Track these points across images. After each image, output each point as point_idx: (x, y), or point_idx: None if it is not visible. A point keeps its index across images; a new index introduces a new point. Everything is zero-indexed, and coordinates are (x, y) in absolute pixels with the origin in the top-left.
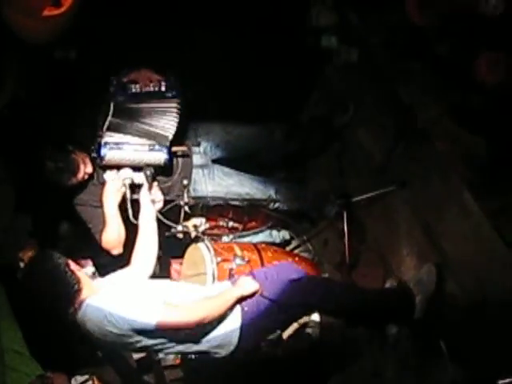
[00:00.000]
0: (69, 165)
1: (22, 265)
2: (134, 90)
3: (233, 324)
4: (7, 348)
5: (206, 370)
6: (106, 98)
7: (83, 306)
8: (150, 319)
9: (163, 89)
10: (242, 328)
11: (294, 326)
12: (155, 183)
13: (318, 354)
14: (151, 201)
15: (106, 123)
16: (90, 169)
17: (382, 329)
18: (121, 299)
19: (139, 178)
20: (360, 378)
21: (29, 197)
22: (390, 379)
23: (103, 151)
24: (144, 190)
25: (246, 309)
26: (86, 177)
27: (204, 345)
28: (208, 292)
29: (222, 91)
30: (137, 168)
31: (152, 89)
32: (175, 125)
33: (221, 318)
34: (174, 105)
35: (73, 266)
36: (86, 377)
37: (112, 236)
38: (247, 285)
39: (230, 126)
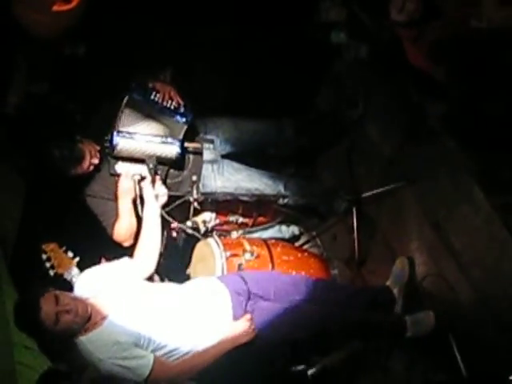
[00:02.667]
0: (74, 153)
1: (44, 257)
2: (153, 97)
3: None
4: (16, 343)
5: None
6: (121, 94)
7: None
8: (142, 376)
9: (179, 112)
10: None
11: None
12: (158, 177)
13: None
14: (155, 195)
15: (120, 114)
16: (96, 160)
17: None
18: (112, 350)
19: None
20: (369, 375)
21: (40, 187)
22: (398, 374)
23: (116, 139)
24: (147, 184)
25: None
26: (92, 167)
27: None
28: (200, 294)
29: (232, 86)
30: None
31: (169, 106)
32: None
33: None
34: (183, 129)
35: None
36: None
37: (125, 229)
38: (242, 333)
39: (240, 122)
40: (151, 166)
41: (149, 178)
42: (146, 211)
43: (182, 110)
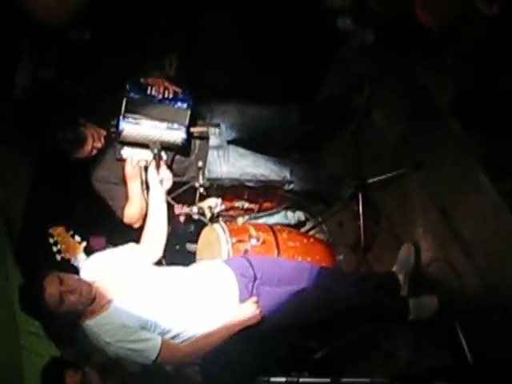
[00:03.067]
0: (76, 137)
1: (51, 241)
2: (149, 92)
3: None
4: (23, 329)
5: (222, 350)
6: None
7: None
8: (149, 358)
9: (179, 99)
10: None
11: None
12: (162, 161)
13: (332, 335)
14: (159, 180)
15: (123, 108)
16: (99, 144)
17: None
18: (119, 334)
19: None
20: (373, 358)
21: (47, 170)
22: (402, 360)
23: (122, 125)
24: (151, 170)
25: None
26: (95, 151)
27: None
28: (206, 276)
29: (238, 72)
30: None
31: (167, 96)
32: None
33: None
34: (187, 114)
35: None
36: None
37: (135, 212)
38: (249, 316)
39: (246, 107)
40: (155, 151)
41: (153, 164)
42: (151, 197)
43: (180, 96)
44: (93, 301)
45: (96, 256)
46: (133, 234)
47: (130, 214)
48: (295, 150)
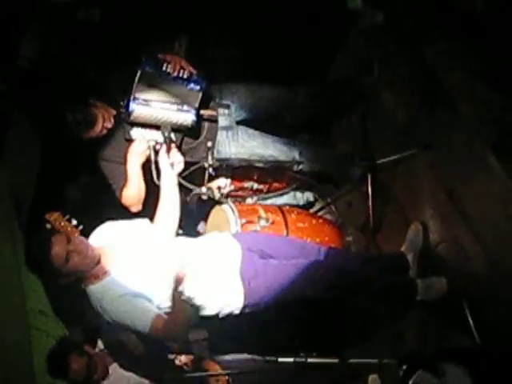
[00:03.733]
0: (87, 117)
1: (48, 226)
2: (164, 69)
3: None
4: (31, 308)
5: (230, 330)
6: (135, 64)
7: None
8: (144, 328)
9: (193, 80)
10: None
11: None
12: (173, 144)
13: (341, 315)
14: (170, 163)
15: (135, 85)
16: (109, 124)
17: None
18: (119, 300)
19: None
20: (381, 339)
21: (54, 151)
22: (411, 342)
23: (131, 106)
24: (162, 152)
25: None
26: (105, 131)
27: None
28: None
29: (247, 53)
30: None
31: (182, 75)
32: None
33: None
34: (198, 97)
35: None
36: None
37: (132, 194)
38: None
39: (255, 88)
40: (166, 134)
41: (164, 147)
42: (163, 180)
43: (195, 77)
44: (96, 265)
45: (107, 224)
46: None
47: (128, 195)
48: (304, 130)
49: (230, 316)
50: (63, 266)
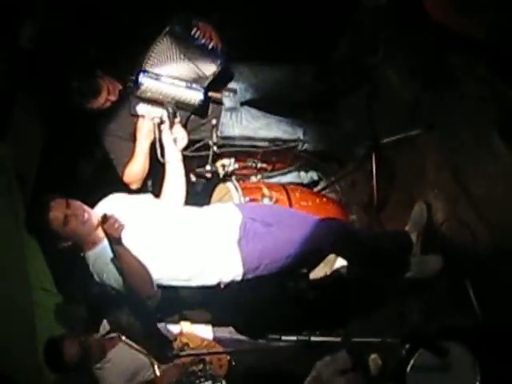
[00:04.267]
0: (91, 87)
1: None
2: (193, 33)
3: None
4: (35, 285)
5: (231, 309)
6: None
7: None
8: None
9: (215, 53)
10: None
11: (322, 269)
12: (177, 120)
13: (344, 295)
14: (173, 138)
15: (150, 51)
16: (113, 97)
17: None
18: (110, 266)
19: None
20: (385, 319)
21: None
22: (414, 321)
23: (141, 79)
24: (166, 129)
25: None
26: (108, 104)
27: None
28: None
29: (251, 33)
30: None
31: (207, 44)
32: (216, 71)
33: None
34: (216, 70)
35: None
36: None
37: (136, 171)
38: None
39: (259, 69)
40: (170, 110)
41: (167, 123)
42: (167, 156)
43: (218, 51)
44: (95, 230)
45: (114, 195)
46: None
47: (131, 172)
48: (309, 110)
49: (232, 287)
50: (61, 229)
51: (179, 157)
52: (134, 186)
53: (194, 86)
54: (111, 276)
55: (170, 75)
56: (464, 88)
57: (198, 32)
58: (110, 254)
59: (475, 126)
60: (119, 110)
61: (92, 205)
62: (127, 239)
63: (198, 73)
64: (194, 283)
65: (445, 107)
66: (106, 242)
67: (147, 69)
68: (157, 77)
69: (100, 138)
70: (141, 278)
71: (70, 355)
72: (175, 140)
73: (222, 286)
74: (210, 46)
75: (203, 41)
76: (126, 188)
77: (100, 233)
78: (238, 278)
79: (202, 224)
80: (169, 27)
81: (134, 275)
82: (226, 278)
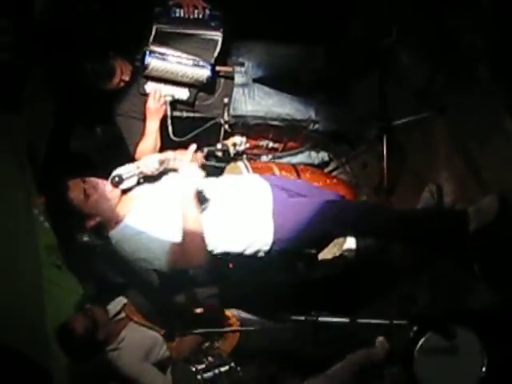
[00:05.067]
0: (105, 68)
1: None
2: (177, 15)
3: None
4: (46, 262)
5: (241, 288)
6: (149, 19)
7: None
8: (161, 261)
9: (207, 17)
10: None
11: (331, 250)
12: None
13: (352, 276)
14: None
15: (151, 40)
16: (126, 77)
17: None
18: (133, 242)
19: (180, 94)
20: (393, 301)
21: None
22: (422, 303)
23: (147, 59)
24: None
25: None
26: (122, 84)
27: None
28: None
29: (265, 11)
30: (178, 84)
31: (196, 15)
32: (218, 49)
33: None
34: (218, 33)
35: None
36: (119, 308)
37: (148, 149)
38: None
39: (272, 46)
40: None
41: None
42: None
43: (209, 14)
44: (116, 207)
45: None
46: None
47: (143, 150)
48: (321, 90)
49: (254, 257)
50: (84, 204)
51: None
52: None
53: (201, 62)
54: (134, 251)
55: (177, 54)
56: (476, 70)
57: (181, 10)
58: (135, 228)
59: (487, 109)
60: (131, 91)
61: None
62: (143, 210)
63: (203, 47)
64: (220, 250)
65: (457, 90)
66: (128, 220)
67: (153, 49)
68: (163, 56)
69: (112, 117)
70: (199, 245)
71: (81, 330)
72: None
73: (247, 253)
74: (200, 15)
75: (188, 15)
76: None
77: (122, 210)
78: (266, 247)
79: (229, 194)
80: (155, 27)
81: (194, 241)
82: (253, 248)
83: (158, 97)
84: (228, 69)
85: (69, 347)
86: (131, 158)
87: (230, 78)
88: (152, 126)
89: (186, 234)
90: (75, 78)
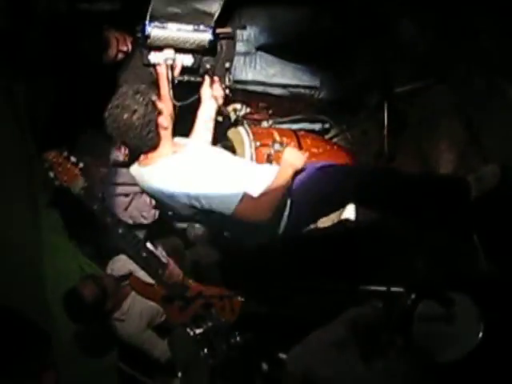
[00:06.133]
0: (100, 41)
1: (46, 165)
2: None
3: None
4: (44, 224)
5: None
6: None
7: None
8: (230, 205)
9: None
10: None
11: (331, 218)
12: (217, 78)
13: (351, 244)
14: (213, 96)
15: (150, 9)
16: (124, 47)
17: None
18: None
19: (185, 60)
20: (390, 268)
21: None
22: (420, 271)
23: (148, 30)
24: (205, 85)
25: None
26: (121, 55)
27: None
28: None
29: None
30: (181, 51)
31: None
32: (220, 6)
33: None
34: (214, 15)
35: None
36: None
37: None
38: (296, 159)
39: (275, 11)
40: (208, 66)
41: (207, 80)
42: (202, 110)
43: None
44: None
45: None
46: None
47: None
48: (323, 57)
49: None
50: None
51: (213, 115)
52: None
53: (202, 27)
54: (200, 185)
55: (176, 20)
56: (480, 39)
57: None
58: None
59: (490, 79)
60: (134, 61)
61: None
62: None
63: (203, 10)
64: None
65: (460, 58)
66: (197, 154)
67: (152, 18)
68: (163, 25)
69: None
70: (274, 204)
71: (90, 298)
72: (215, 98)
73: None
74: None
75: None
76: None
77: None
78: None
79: None
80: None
81: (271, 200)
82: None
83: (161, 61)
84: (227, 30)
85: (75, 312)
86: None
87: (231, 38)
88: (166, 92)
89: (269, 192)
90: (74, 55)
